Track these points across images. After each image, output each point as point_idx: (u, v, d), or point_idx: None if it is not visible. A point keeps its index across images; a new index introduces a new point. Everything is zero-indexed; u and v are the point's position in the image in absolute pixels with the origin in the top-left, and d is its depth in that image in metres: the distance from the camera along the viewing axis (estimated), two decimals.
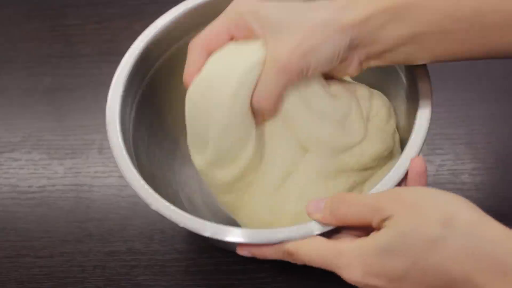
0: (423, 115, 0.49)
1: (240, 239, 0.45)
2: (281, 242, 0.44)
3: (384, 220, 0.40)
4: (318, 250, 0.43)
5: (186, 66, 0.49)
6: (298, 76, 0.45)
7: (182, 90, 0.49)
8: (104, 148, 0.70)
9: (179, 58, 0.52)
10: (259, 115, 0.47)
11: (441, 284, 0.37)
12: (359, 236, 0.43)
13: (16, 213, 0.67)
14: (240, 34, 0.47)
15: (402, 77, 0.55)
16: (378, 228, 0.41)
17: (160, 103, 0.59)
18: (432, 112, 0.49)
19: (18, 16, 0.84)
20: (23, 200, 0.68)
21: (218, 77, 0.46)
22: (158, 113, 0.60)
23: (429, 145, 0.66)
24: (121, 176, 0.67)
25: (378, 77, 0.56)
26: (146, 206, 0.65)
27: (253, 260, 0.60)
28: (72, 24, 0.82)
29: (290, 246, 0.44)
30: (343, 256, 0.41)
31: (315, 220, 0.44)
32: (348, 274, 0.41)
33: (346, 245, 0.42)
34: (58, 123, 0.73)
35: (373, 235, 0.41)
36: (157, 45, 0.57)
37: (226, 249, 0.58)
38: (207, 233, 0.45)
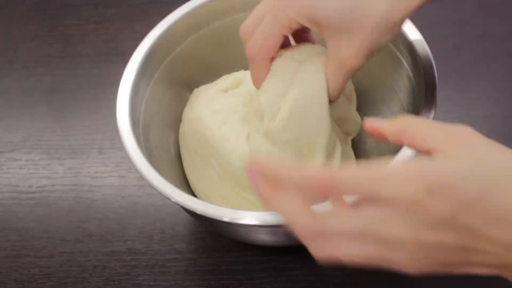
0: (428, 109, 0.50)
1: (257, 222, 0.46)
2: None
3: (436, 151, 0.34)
4: (364, 172, 0.34)
5: (253, 77, 0.51)
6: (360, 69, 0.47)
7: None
8: (104, 148, 0.70)
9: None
10: None
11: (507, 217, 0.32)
12: None
13: (16, 213, 0.67)
14: (295, 34, 0.50)
15: (408, 71, 0.55)
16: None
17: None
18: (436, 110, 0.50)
19: (18, 16, 0.85)
20: (23, 200, 0.68)
21: (308, 100, 0.50)
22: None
23: None
24: (121, 176, 0.68)
25: (382, 69, 0.57)
26: (146, 206, 0.65)
27: (253, 260, 0.60)
28: (72, 24, 0.83)
29: (326, 174, 0.34)
30: (399, 171, 0.33)
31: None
32: (403, 188, 0.32)
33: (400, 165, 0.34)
34: (58, 123, 0.73)
35: (436, 161, 0.34)
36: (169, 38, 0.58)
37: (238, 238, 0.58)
38: (226, 219, 0.47)
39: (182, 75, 0.61)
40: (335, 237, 0.35)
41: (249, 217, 0.46)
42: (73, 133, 0.72)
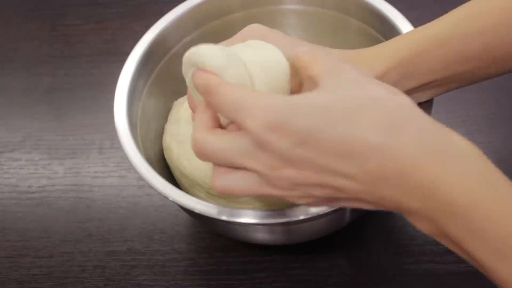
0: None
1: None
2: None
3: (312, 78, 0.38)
4: (238, 92, 0.37)
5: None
6: None
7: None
8: (104, 148, 0.70)
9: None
10: None
11: (358, 151, 0.34)
12: None
13: (16, 213, 0.67)
14: None
15: None
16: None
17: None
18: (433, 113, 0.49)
19: (18, 16, 0.85)
20: (23, 200, 0.68)
21: None
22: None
23: None
24: (121, 176, 0.68)
25: None
26: (146, 206, 0.65)
27: (253, 260, 0.60)
28: (72, 24, 0.83)
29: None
30: (249, 101, 0.36)
31: None
32: (246, 121, 0.36)
33: (267, 95, 0.38)
34: (58, 123, 0.73)
35: (300, 94, 0.37)
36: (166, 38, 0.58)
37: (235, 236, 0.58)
38: (223, 217, 0.47)
39: (178, 77, 0.61)
40: (216, 163, 0.39)
41: (246, 216, 0.47)
42: (73, 133, 0.72)
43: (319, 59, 0.38)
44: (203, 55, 0.39)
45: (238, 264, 0.60)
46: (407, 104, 0.36)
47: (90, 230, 0.64)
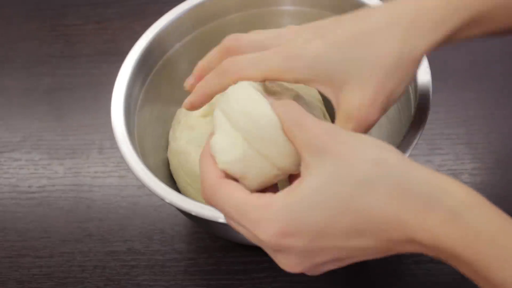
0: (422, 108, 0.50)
1: None
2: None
3: (313, 155, 0.36)
4: (236, 199, 0.37)
5: (190, 100, 0.47)
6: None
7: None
8: (104, 148, 0.70)
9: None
10: None
11: (372, 227, 0.35)
12: None
13: (16, 213, 0.67)
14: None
15: None
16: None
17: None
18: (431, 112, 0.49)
19: (18, 16, 0.85)
20: (23, 200, 0.68)
21: None
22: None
23: (429, 145, 0.66)
24: (121, 176, 0.68)
25: None
26: (146, 206, 0.65)
27: (253, 260, 0.60)
28: (72, 24, 0.83)
29: (209, 180, 0.38)
30: (257, 210, 0.36)
31: None
32: (257, 234, 0.36)
33: (266, 198, 0.36)
34: (58, 123, 0.73)
35: (297, 183, 0.36)
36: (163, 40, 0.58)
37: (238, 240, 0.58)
38: (221, 220, 0.46)
39: (175, 79, 0.61)
40: None
41: None
42: (73, 133, 0.72)
43: (294, 126, 0.37)
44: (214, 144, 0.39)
45: (238, 264, 0.60)
46: (400, 166, 0.35)
47: (90, 230, 0.64)
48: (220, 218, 0.47)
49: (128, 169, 0.67)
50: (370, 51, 0.40)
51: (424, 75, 0.51)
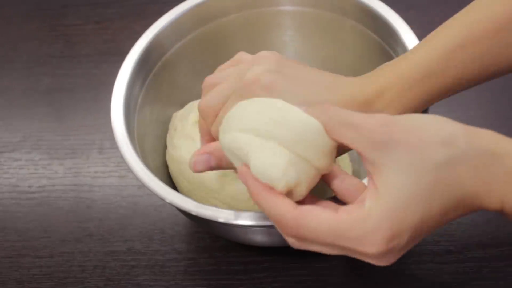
0: None
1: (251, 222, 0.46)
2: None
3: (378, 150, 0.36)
4: (327, 222, 0.36)
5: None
6: None
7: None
8: (104, 148, 0.70)
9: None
10: None
11: (463, 204, 0.36)
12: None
13: (16, 213, 0.67)
14: None
15: None
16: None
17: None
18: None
19: (18, 16, 0.85)
20: (23, 200, 0.68)
21: None
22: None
23: None
24: (121, 176, 0.68)
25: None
26: (146, 206, 0.65)
27: (253, 260, 0.60)
28: (72, 24, 0.83)
29: (287, 216, 0.37)
30: (355, 226, 0.36)
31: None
32: (365, 247, 0.36)
33: (356, 211, 0.36)
34: (58, 123, 0.73)
35: (376, 184, 0.36)
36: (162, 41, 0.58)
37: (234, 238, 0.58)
38: (221, 219, 0.46)
39: (175, 79, 0.61)
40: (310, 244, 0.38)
41: (244, 218, 0.46)
42: (73, 133, 0.72)
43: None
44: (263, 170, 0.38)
45: (238, 264, 0.60)
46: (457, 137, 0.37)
47: (90, 230, 0.64)
48: (220, 218, 0.47)
49: (128, 169, 0.67)
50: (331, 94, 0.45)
51: None
